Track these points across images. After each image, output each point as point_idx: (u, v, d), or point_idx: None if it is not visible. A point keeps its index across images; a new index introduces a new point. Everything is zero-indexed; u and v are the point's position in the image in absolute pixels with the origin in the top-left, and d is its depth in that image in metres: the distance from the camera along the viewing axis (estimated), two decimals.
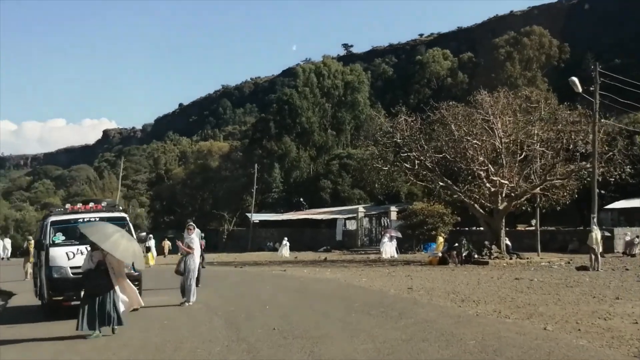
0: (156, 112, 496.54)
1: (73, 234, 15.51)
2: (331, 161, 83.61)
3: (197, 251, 17.45)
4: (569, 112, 33.80)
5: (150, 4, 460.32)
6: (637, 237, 37.79)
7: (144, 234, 20.37)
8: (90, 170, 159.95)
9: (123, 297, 12.48)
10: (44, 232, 16.17)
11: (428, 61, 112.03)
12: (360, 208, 61.86)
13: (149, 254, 41.17)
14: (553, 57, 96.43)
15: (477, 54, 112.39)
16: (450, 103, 36.91)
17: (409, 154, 35.45)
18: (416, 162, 35.57)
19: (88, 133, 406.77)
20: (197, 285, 21.25)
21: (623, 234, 39.74)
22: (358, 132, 77.43)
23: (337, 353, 9.86)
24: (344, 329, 11.92)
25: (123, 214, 17.01)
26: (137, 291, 13.10)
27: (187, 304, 16.64)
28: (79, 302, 12.67)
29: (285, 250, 49.31)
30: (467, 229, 45.85)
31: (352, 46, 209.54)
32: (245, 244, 67.95)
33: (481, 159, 34.25)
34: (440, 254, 34.62)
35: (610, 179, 34.09)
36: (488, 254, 33.01)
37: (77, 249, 14.69)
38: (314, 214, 69.16)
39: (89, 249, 12.77)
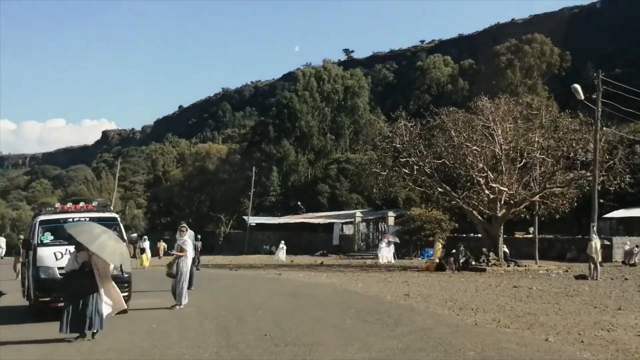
0: (156, 114, 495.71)
1: (62, 233, 15.03)
2: (329, 165, 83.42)
3: (189, 253, 17.06)
4: (570, 119, 33.50)
5: (152, 6, 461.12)
6: (637, 246, 37.51)
7: (135, 235, 19.98)
8: (89, 171, 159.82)
9: (107, 300, 11.98)
10: (32, 231, 15.77)
11: (429, 67, 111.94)
12: (358, 213, 61.58)
13: (144, 256, 40.81)
14: (554, 65, 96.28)
15: (478, 61, 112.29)
16: (451, 109, 36.64)
17: (407, 159, 35.20)
18: (415, 167, 35.31)
19: (87, 134, 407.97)
20: (189, 287, 20.92)
21: (622, 243, 39.46)
22: (357, 136, 77.11)
23: None
24: (338, 336, 11.52)
25: (114, 214, 16.61)
26: (121, 294, 12.57)
27: (178, 307, 16.22)
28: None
29: (282, 254, 49.07)
30: (464, 235, 45.54)
31: (353, 51, 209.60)
32: (242, 247, 67.62)
33: (480, 165, 33.98)
34: (437, 260, 34.31)
35: (610, 188, 33.80)
36: (486, 261, 32.69)
37: (66, 249, 14.22)
38: (311, 218, 68.84)
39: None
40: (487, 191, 33.93)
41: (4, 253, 53.58)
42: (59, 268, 14.13)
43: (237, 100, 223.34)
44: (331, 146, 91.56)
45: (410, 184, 37.43)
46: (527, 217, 37.68)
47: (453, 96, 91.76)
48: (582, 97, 31.70)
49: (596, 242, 27.43)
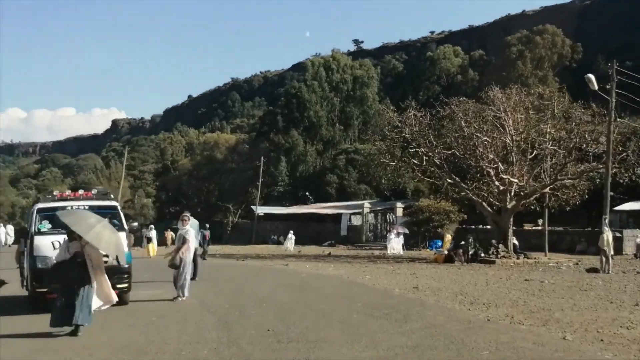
0: (165, 104, 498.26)
1: (60, 222, 14.58)
2: (338, 156, 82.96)
3: (192, 243, 16.58)
4: (582, 110, 32.88)
5: None
6: None
7: (136, 224, 19.51)
8: (98, 160, 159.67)
9: (99, 292, 11.48)
10: (30, 219, 15.32)
11: (439, 58, 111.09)
12: (366, 203, 61.21)
13: (150, 245, 40.45)
14: (565, 57, 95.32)
15: (488, 52, 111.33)
16: (461, 99, 36.12)
17: (417, 149, 34.71)
18: (424, 158, 34.82)
19: (97, 122, 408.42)
20: (194, 278, 20.49)
21: (632, 236, 38.98)
22: (366, 127, 76.63)
23: None
24: (344, 332, 11.01)
25: (114, 203, 16.11)
26: (111, 288, 11.96)
27: (180, 299, 15.74)
28: None
29: (290, 244, 48.79)
30: (473, 227, 45.06)
31: (362, 42, 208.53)
32: (250, 237, 67.35)
33: (491, 156, 33.43)
34: (446, 252, 33.87)
35: (621, 180, 33.26)
36: (495, 253, 32.20)
37: (64, 238, 13.77)
38: (319, 209, 68.53)
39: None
40: (497, 182, 33.42)
41: (12, 241, 53.39)
42: None
43: (246, 90, 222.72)
44: (340, 136, 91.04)
45: (420, 175, 36.96)
46: (537, 209, 37.13)
47: (463, 87, 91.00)
48: (596, 87, 31.15)
49: (608, 235, 26.91)
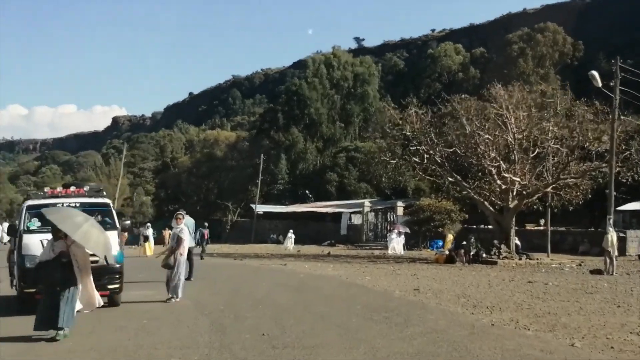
0: (166, 101, 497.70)
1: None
2: (338, 154, 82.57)
3: (187, 242, 16.08)
4: (585, 108, 32.38)
5: None
6: None
7: (128, 222, 19.04)
8: (98, 157, 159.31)
9: (82, 295, 10.91)
10: (19, 217, 14.85)
11: (440, 55, 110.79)
12: (366, 202, 60.81)
13: (147, 244, 40.02)
14: (567, 55, 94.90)
15: (489, 50, 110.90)
16: (463, 96, 35.67)
17: (418, 147, 34.26)
18: (425, 156, 34.39)
19: (98, 119, 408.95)
20: (189, 278, 20.04)
21: (636, 237, 38.51)
22: (367, 124, 76.19)
23: None
24: (343, 337, 10.53)
25: (107, 200, 15.60)
26: (96, 291, 11.37)
27: (174, 300, 15.25)
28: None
29: (290, 243, 48.38)
30: (474, 226, 44.61)
31: (363, 40, 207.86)
32: (249, 235, 66.97)
33: (493, 154, 32.99)
34: (447, 252, 33.44)
35: (623, 180, 32.82)
36: (497, 254, 31.77)
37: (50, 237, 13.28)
38: (319, 207, 68.17)
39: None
40: (499, 181, 32.99)
41: (8, 239, 52.91)
42: None
43: (247, 88, 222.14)
44: (340, 134, 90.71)
45: (420, 173, 36.50)
46: (540, 208, 36.65)
47: (464, 85, 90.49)
48: (600, 84, 30.70)
49: (612, 236, 26.41)
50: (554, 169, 33.37)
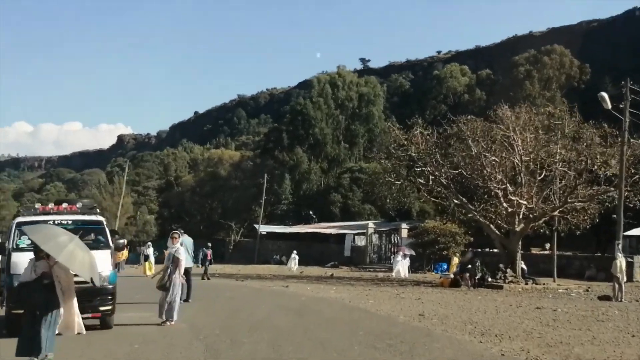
0: (172, 119, 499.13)
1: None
2: (342, 174, 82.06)
3: (183, 262, 15.49)
4: (594, 130, 31.82)
5: (169, 12, 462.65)
6: None
7: (122, 241, 18.50)
8: (102, 175, 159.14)
9: (64, 318, 10.16)
10: (8, 234, 14.32)
11: (445, 76, 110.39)
12: (370, 224, 60.17)
13: (147, 263, 39.46)
14: (573, 78, 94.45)
15: (495, 72, 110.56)
16: (469, 117, 35.17)
17: (423, 168, 33.72)
18: (430, 177, 33.81)
19: (103, 137, 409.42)
20: (187, 300, 19.49)
21: None
22: (371, 145, 75.77)
23: None
24: None
25: (100, 218, 15.08)
26: (80, 316, 10.67)
27: (168, 323, 14.68)
28: None
29: (294, 264, 47.79)
30: (479, 250, 43.93)
31: (369, 61, 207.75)
32: (252, 256, 66.32)
33: (499, 177, 32.40)
34: (452, 276, 32.80)
35: (631, 205, 32.23)
36: (503, 278, 31.11)
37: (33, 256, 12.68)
38: (322, 228, 67.57)
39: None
40: (505, 204, 32.35)
41: None
42: None
43: (252, 107, 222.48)
44: (345, 155, 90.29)
45: (426, 195, 35.93)
46: (547, 232, 36.01)
47: (470, 106, 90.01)
48: (609, 106, 30.21)
49: (621, 261, 25.80)
50: (561, 192, 32.75)
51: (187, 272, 20.05)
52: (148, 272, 38.11)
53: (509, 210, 32.26)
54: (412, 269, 42.58)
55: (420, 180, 34.20)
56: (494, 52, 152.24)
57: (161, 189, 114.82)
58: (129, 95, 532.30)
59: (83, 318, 12.74)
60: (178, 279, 15.06)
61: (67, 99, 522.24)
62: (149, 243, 44.08)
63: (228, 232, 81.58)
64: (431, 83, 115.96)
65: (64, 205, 15.16)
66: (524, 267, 33.86)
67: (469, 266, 31.98)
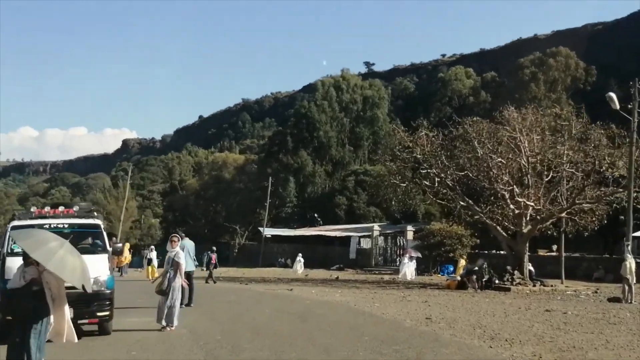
0: (176, 124, 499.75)
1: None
2: (347, 177, 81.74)
3: (183, 266, 15.09)
4: (602, 131, 31.37)
5: (174, 17, 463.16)
6: None
7: (120, 245, 18.14)
8: (107, 179, 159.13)
9: (55, 326, 9.43)
10: (2, 239, 13.95)
11: (450, 79, 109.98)
12: (376, 226, 59.84)
13: (149, 267, 39.05)
14: (579, 80, 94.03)
15: (500, 75, 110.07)
16: (475, 119, 34.76)
17: (428, 170, 33.31)
18: (436, 179, 33.40)
19: (108, 142, 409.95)
20: (189, 304, 19.13)
21: None
22: (376, 147, 75.35)
23: None
24: None
25: (97, 221, 14.68)
26: (72, 327, 9.86)
27: (168, 328, 14.27)
28: None
29: (299, 267, 47.46)
30: (486, 252, 43.55)
31: (373, 64, 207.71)
32: (257, 259, 66.08)
33: (505, 178, 31.96)
34: (459, 278, 32.38)
35: (639, 206, 31.77)
36: (510, 280, 30.66)
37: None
38: (327, 231, 67.24)
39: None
40: (512, 206, 31.93)
41: None
42: None
43: (256, 111, 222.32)
44: (349, 157, 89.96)
45: (431, 197, 35.51)
46: (554, 234, 35.55)
47: (475, 109, 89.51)
48: (618, 106, 29.78)
49: (631, 262, 25.34)
50: (568, 193, 32.33)
51: (189, 276, 19.71)
52: (151, 276, 37.72)
53: (516, 211, 31.86)
54: (418, 271, 42.19)
55: (425, 182, 33.83)
56: (498, 55, 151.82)
57: (165, 192, 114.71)
58: (134, 100, 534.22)
59: (80, 324, 12.46)
60: (178, 283, 14.67)
61: (73, 104, 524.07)
62: (152, 247, 43.74)
63: (233, 235, 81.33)
64: (436, 86, 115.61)
65: (61, 208, 14.76)
66: (532, 268, 33.44)
67: (476, 268, 31.59)
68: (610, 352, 11.66)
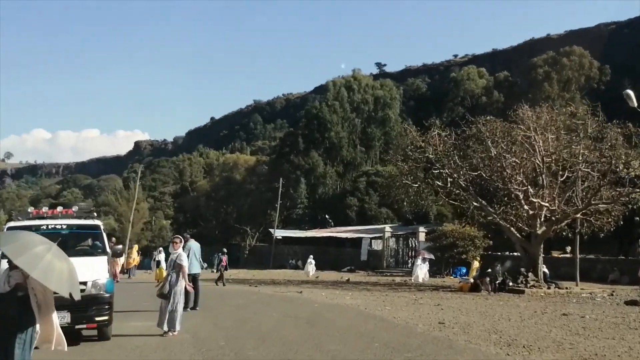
0: (188, 125, 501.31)
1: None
2: (359, 178, 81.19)
3: (186, 269, 14.55)
4: (619, 130, 30.65)
5: (185, 19, 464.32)
6: None
7: (120, 247, 17.67)
8: (119, 181, 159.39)
9: (42, 334, 8.68)
10: None
11: (462, 79, 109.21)
12: (387, 228, 59.19)
13: (158, 269, 38.64)
14: (593, 79, 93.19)
15: (513, 75, 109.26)
16: (488, 118, 34.12)
17: (441, 170, 32.69)
18: (449, 179, 32.77)
19: (121, 144, 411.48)
20: (195, 307, 18.68)
21: None
22: (388, 148, 74.74)
23: None
24: None
25: (97, 222, 14.19)
26: (62, 335, 9.01)
27: (170, 333, 13.72)
28: None
29: (311, 269, 46.98)
30: (499, 253, 42.93)
31: (385, 65, 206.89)
32: (268, 261, 65.67)
33: (520, 178, 31.29)
34: (472, 280, 31.78)
35: None
36: (524, 282, 30.00)
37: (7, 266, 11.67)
38: (338, 232, 66.73)
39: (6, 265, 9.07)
40: (526, 206, 31.24)
41: None
42: None
43: (268, 113, 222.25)
44: (361, 158, 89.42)
45: (444, 197, 34.88)
46: (569, 235, 34.81)
47: (488, 108, 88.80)
48: (635, 104, 29.06)
49: None
50: (584, 194, 31.62)
51: (195, 278, 19.26)
52: (159, 279, 37.30)
53: (530, 212, 31.21)
54: (430, 273, 41.62)
55: (438, 182, 33.20)
56: (510, 56, 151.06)
57: (176, 194, 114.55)
58: (146, 102, 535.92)
59: (78, 329, 11.97)
60: (180, 286, 14.12)
61: (85, 106, 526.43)
62: (161, 248, 43.33)
63: (243, 237, 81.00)
64: (448, 86, 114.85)
65: (59, 208, 14.31)
66: (546, 270, 32.79)
67: (489, 270, 31.00)
68: None
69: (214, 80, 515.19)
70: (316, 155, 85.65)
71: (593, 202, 30.62)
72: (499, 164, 31.56)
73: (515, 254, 36.39)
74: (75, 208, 14.40)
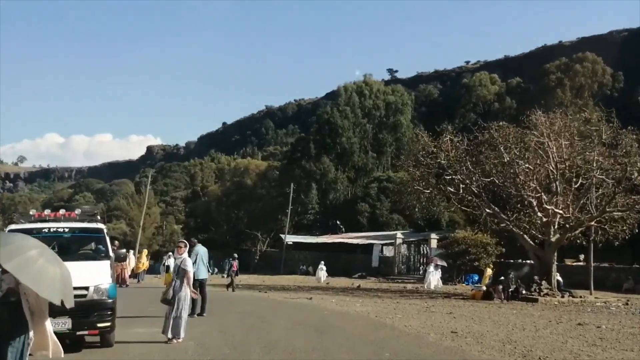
0: (200, 130, 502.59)
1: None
2: (370, 184, 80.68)
3: (190, 274, 14.18)
4: (634, 136, 30.14)
5: (197, 25, 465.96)
6: None
7: (124, 251, 17.48)
8: (131, 185, 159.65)
9: (36, 340, 8.11)
10: None
11: (474, 85, 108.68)
12: (399, 234, 58.82)
13: (167, 275, 38.32)
14: (606, 86, 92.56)
15: (525, 82, 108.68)
16: (501, 123, 33.70)
17: (453, 176, 32.28)
18: (461, 186, 32.34)
19: (133, 148, 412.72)
20: (202, 314, 18.39)
21: None
22: (400, 153, 74.26)
23: None
24: None
25: (100, 225, 13.85)
26: (57, 342, 8.41)
27: (175, 341, 13.36)
28: None
29: (322, 274, 46.64)
30: (512, 261, 42.45)
31: (397, 71, 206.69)
32: (278, 266, 65.34)
33: (533, 185, 30.85)
34: (484, 288, 31.31)
35: None
36: (538, 290, 29.53)
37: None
38: (350, 238, 66.33)
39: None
40: (539, 214, 30.81)
41: None
42: None
43: (280, 118, 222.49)
44: (372, 164, 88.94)
45: (456, 204, 34.43)
46: (583, 243, 34.27)
47: (500, 114, 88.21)
48: None
49: None
50: (598, 201, 31.13)
51: (202, 284, 18.96)
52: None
53: (544, 220, 30.79)
54: (442, 280, 41.19)
55: (450, 188, 32.78)
56: (522, 62, 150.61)
57: (188, 199, 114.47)
58: (159, 107, 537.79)
59: (79, 335, 11.66)
60: (184, 292, 13.76)
61: (98, 111, 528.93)
62: (170, 253, 42.97)
63: (254, 242, 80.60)
64: (460, 92, 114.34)
65: (62, 211, 13.99)
66: (560, 279, 32.35)
67: (502, 278, 30.56)
68: None
69: (226, 85, 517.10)
70: (327, 161, 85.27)
71: (608, 209, 30.14)
72: (512, 170, 31.17)
73: (529, 261, 35.97)
74: (78, 211, 14.10)
